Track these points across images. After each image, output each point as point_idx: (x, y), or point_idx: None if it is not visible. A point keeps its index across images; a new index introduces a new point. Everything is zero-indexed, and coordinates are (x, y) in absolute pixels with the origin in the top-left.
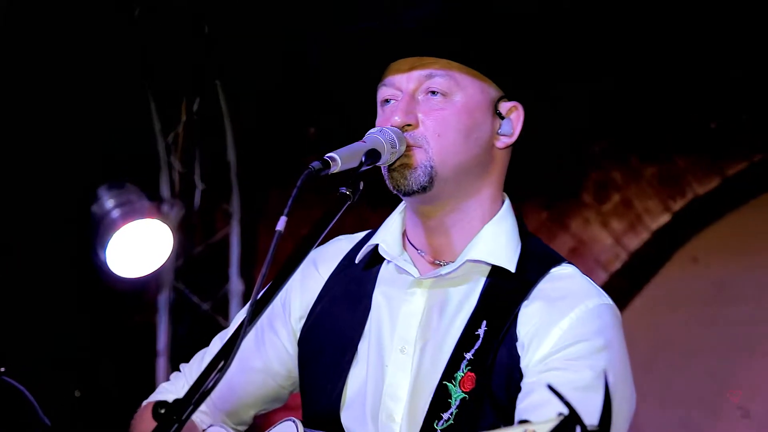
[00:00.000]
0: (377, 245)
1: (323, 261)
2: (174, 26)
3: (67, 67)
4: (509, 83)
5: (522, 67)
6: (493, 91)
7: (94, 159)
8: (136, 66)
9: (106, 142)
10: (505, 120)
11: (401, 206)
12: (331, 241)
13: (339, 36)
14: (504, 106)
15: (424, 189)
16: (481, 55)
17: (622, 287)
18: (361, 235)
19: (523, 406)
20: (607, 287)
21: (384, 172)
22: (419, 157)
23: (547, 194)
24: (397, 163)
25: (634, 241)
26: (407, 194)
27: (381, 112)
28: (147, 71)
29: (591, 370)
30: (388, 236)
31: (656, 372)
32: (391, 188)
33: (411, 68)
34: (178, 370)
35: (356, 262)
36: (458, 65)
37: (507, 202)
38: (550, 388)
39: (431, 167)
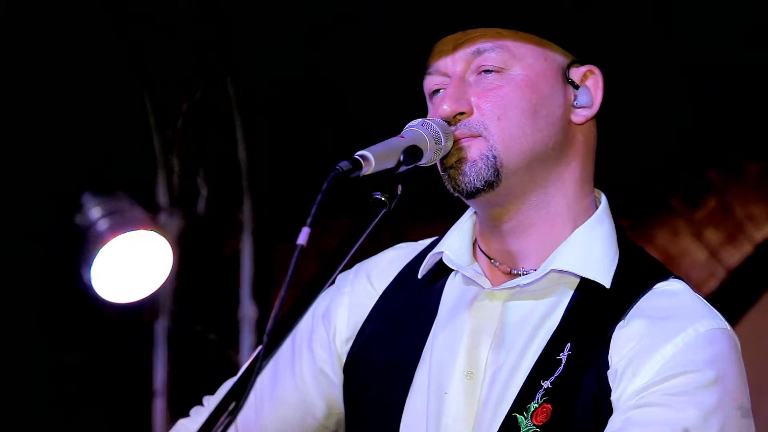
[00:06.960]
0: (442, 254)
1: (378, 272)
2: None
3: (35, 43)
4: (577, 43)
5: (590, 21)
6: (560, 57)
7: (76, 160)
8: (123, 43)
9: (90, 139)
10: (580, 88)
11: (472, 209)
12: (389, 249)
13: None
14: (576, 73)
15: (490, 185)
16: (535, 14)
17: (719, 312)
18: (427, 242)
19: None
20: None
21: (440, 171)
22: (479, 148)
23: (626, 198)
24: (454, 159)
25: (735, 256)
26: (471, 195)
27: (431, 107)
28: (137, 48)
29: (697, 409)
30: (454, 243)
31: (762, 416)
32: (451, 190)
33: (455, 47)
34: (179, 414)
35: (419, 276)
36: (510, 33)
37: (604, 201)
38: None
39: (494, 157)
